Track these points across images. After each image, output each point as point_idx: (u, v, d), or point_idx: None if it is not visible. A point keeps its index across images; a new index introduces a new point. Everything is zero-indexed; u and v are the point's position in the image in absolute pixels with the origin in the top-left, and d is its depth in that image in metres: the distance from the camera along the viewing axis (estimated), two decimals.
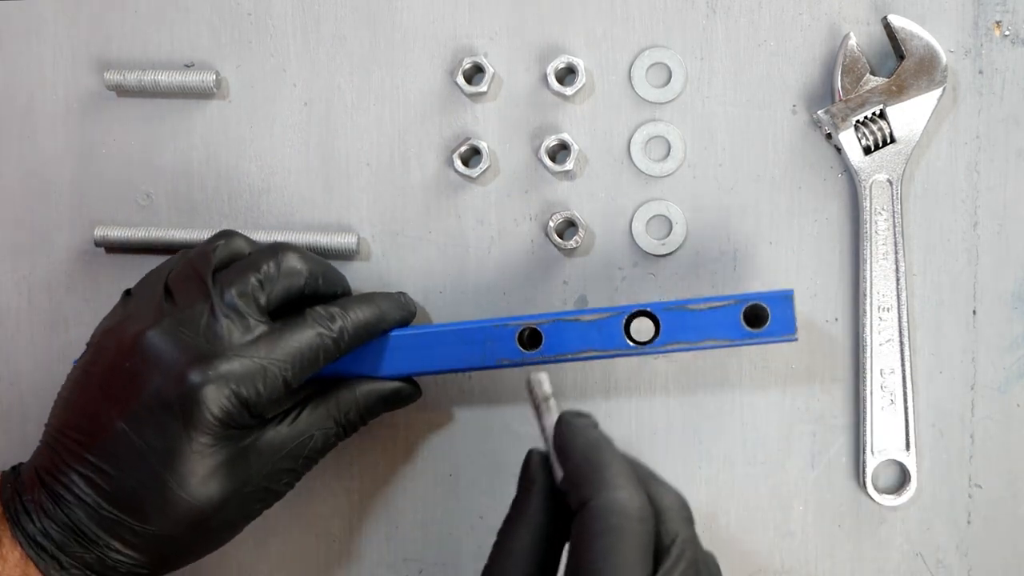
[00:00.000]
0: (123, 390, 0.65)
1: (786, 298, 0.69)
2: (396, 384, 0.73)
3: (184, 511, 0.64)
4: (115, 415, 0.64)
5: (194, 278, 0.68)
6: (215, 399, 0.63)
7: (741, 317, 0.69)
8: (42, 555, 0.64)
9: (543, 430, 0.64)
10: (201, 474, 0.64)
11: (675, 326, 0.70)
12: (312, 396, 0.70)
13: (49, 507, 0.64)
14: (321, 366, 0.68)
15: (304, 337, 0.67)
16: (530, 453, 0.63)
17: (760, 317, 0.69)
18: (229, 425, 0.64)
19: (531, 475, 0.61)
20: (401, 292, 0.75)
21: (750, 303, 0.69)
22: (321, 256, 0.78)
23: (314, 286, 0.70)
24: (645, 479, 0.60)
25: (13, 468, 0.68)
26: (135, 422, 0.64)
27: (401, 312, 0.73)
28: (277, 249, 0.69)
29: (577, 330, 0.70)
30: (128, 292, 0.70)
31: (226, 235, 0.70)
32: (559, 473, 0.60)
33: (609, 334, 0.70)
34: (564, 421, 0.61)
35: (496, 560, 0.60)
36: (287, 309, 0.69)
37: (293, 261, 0.69)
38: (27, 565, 0.64)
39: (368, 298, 0.71)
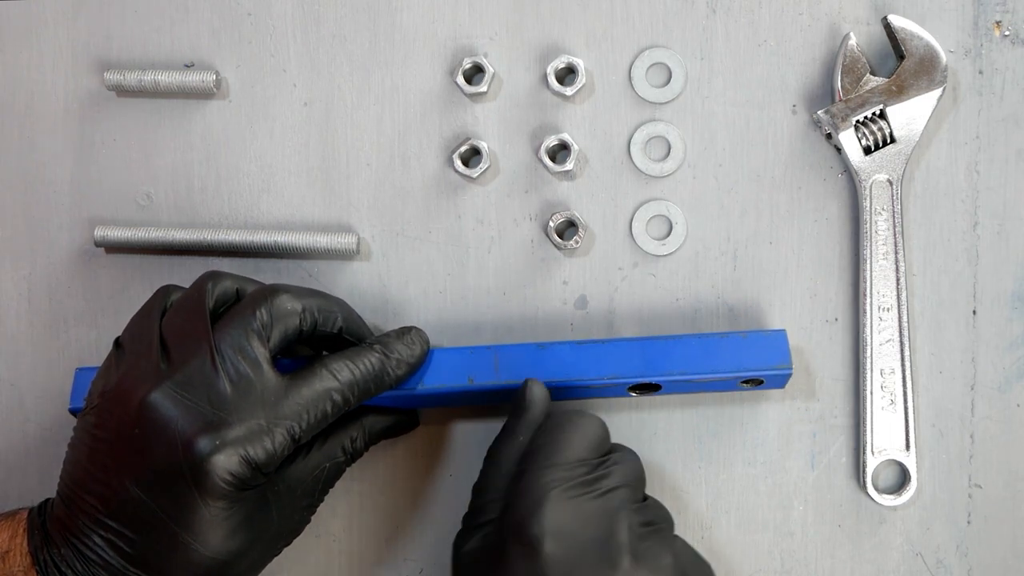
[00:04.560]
0: (133, 457, 0.64)
1: (782, 376, 0.72)
2: (398, 416, 0.74)
3: (208, 567, 0.64)
4: (128, 482, 0.63)
5: (190, 331, 0.66)
6: (224, 467, 0.62)
7: (738, 383, 0.74)
8: None
9: None
10: (223, 534, 0.64)
11: (676, 388, 0.74)
12: (321, 432, 0.69)
13: (77, 567, 0.64)
14: (330, 421, 0.67)
15: (313, 394, 0.65)
16: (527, 382, 0.69)
17: (756, 380, 0.73)
18: (241, 488, 0.64)
19: (525, 403, 0.69)
20: (412, 328, 0.72)
21: (748, 378, 0.72)
22: (321, 256, 0.79)
23: (311, 322, 0.68)
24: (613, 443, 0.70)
25: (39, 509, 0.68)
26: (148, 489, 0.63)
27: (410, 354, 0.71)
28: (267, 293, 0.67)
29: (584, 391, 0.73)
30: (118, 342, 0.68)
31: (212, 276, 0.68)
32: None
33: (612, 392, 0.74)
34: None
35: (486, 473, 0.68)
36: (292, 348, 0.69)
37: (285, 303, 0.67)
38: None
39: (378, 347, 0.69)
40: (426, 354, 0.72)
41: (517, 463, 0.66)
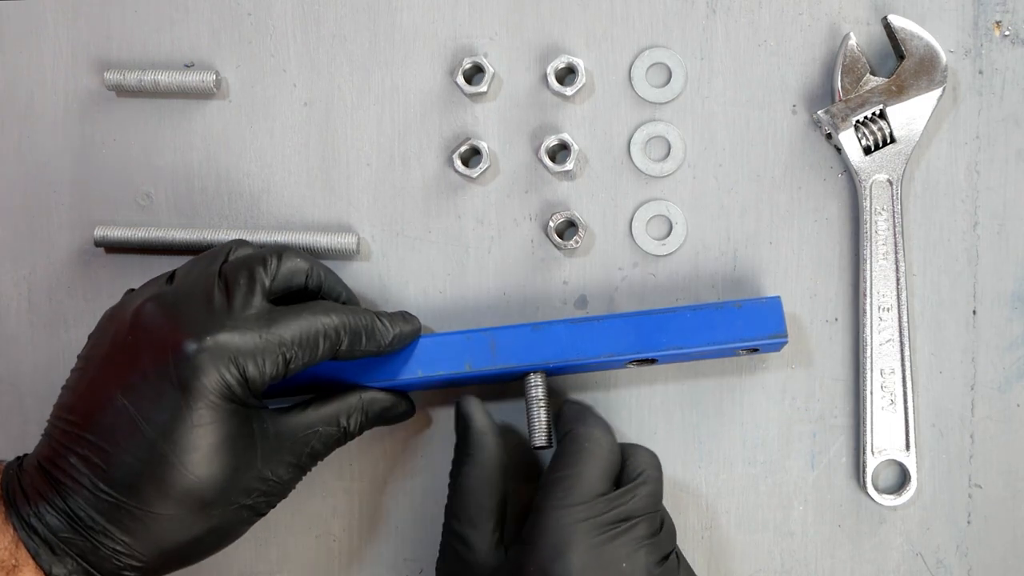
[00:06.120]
0: (121, 365, 0.64)
1: (777, 344, 0.72)
2: (395, 397, 0.73)
3: (184, 490, 0.63)
4: (114, 389, 0.63)
5: (201, 265, 0.68)
6: (212, 368, 0.63)
7: (736, 352, 0.74)
8: (33, 537, 0.62)
9: (530, 421, 0.72)
10: (202, 448, 0.63)
11: (672, 359, 0.74)
12: (318, 397, 0.70)
13: (47, 492, 0.63)
14: (320, 354, 0.67)
15: (306, 320, 0.67)
16: (462, 400, 0.72)
17: (752, 348, 0.74)
18: (228, 398, 0.63)
19: (466, 419, 0.71)
20: (403, 311, 0.74)
21: (745, 348, 0.73)
22: (321, 256, 0.79)
23: (316, 284, 0.70)
24: (624, 444, 0.72)
25: (17, 458, 0.67)
26: (133, 394, 0.63)
27: (402, 322, 0.72)
28: (281, 247, 0.71)
29: (581, 367, 0.74)
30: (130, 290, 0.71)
31: (237, 242, 0.71)
32: (538, 441, 0.72)
33: (610, 366, 0.75)
34: (570, 401, 0.76)
35: (452, 500, 0.70)
36: (289, 301, 0.70)
37: (297, 258, 0.70)
38: (17, 548, 0.62)
39: (371, 311, 0.71)
40: (418, 330, 0.73)
41: (490, 486, 0.69)
